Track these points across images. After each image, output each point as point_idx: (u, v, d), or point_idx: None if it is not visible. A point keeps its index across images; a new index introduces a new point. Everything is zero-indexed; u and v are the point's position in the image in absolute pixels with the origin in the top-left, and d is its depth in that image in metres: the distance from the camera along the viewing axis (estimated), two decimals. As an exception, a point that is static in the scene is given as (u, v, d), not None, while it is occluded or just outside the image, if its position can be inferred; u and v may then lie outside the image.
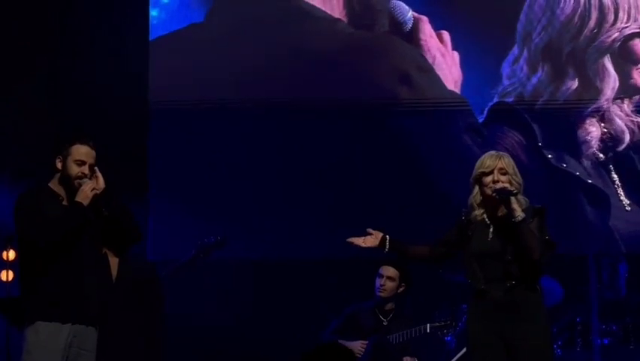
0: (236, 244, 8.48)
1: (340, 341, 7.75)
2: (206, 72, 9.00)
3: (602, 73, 8.88)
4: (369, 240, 5.96)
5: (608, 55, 8.90)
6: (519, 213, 5.62)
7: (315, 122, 8.95)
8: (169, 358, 7.91)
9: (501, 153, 5.84)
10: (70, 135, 5.87)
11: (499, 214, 5.75)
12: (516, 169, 5.79)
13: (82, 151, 5.78)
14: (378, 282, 7.77)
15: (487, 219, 5.77)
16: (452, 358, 7.95)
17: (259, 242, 8.86)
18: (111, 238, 5.91)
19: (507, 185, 5.68)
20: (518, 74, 8.96)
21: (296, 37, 9.06)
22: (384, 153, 8.89)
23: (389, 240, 5.93)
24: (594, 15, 8.88)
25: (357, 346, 7.73)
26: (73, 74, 8.81)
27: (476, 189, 5.79)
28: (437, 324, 7.69)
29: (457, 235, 5.85)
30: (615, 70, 8.88)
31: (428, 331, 7.67)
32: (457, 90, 8.96)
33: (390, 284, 7.75)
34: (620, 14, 8.86)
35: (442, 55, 8.96)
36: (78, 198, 5.72)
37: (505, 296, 5.66)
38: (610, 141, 8.90)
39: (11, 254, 7.86)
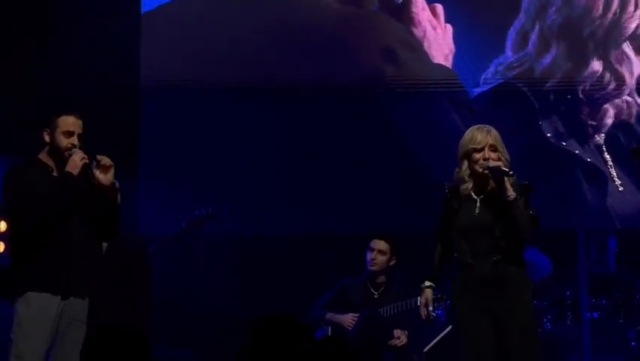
0: (228, 220, 8.47)
1: (331, 314, 7.83)
2: (194, 48, 8.94)
3: (623, 58, 8.77)
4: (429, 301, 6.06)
5: (628, 41, 8.82)
6: (511, 193, 5.63)
7: (301, 100, 8.91)
8: (157, 332, 7.92)
9: (487, 126, 5.81)
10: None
11: (487, 188, 5.77)
12: (503, 144, 5.79)
13: (69, 122, 5.81)
14: (369, 255, 7.78)
15: (473, 194, 5.78)
16: (440, 333, 7.97)
17: (250, 217, 8.85)
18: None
19: (499, 163, 5.69)
20: (528, 48, 8.83)
21: (282, 11, 9.00)
22: (370, 133, 8.85)
23: (433, 282, 6.02)
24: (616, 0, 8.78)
25: (348, 319, 7.75)
26: (64, 50, 8.79)
27: (465, 163, 5.78)
28: (428, 298, 7.69)
29: (448, 212, 5.86)
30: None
31: (419, 304, 7.67)
32: (448, 64, 8.90)
33: (381, 258, 7.77)
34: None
35: (434, 28, 8.86)
36: (68, 168, 5.74)
37: (491, 270, 5.69)
38: (602, 120, 8.85)
39: (2, 225, 7.86)
